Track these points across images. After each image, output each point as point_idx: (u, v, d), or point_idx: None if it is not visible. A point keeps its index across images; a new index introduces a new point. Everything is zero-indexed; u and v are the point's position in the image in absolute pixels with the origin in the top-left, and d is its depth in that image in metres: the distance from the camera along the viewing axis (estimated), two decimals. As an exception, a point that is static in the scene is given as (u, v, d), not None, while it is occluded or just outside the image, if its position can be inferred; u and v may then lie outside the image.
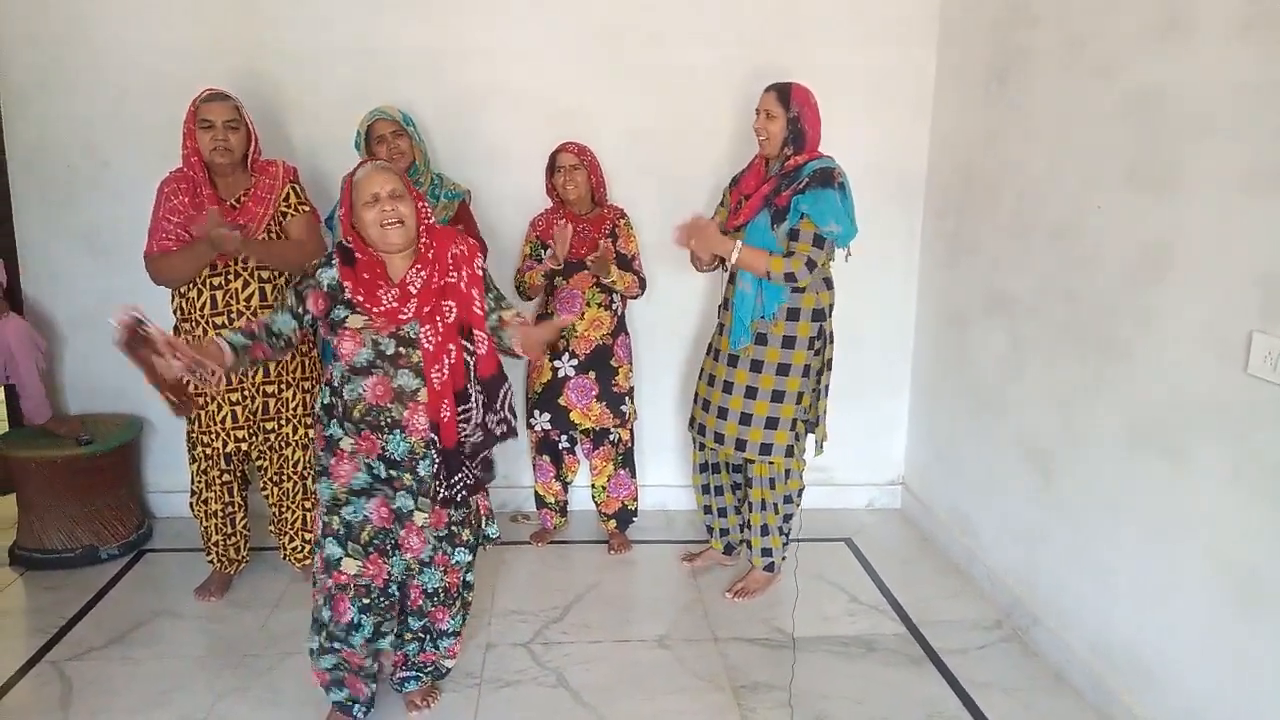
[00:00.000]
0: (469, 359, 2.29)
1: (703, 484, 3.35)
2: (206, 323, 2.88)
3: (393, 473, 2.29)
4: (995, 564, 3.22)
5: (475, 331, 2.28)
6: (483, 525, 2.52)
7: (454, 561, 2.45)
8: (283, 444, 3.08)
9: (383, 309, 2.20)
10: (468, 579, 2.55)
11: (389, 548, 2.35)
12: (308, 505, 3.19)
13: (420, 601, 2.49)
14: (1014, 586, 3.08)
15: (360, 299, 2.21)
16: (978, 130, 3.34)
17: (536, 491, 3.67)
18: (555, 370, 3.40)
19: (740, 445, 3.05)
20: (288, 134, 3.51)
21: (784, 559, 3.28)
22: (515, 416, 2.40)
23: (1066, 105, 2.78)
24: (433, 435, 2.26)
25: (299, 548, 3.23)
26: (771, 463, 3.07)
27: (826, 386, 3.10)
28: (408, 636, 2.54)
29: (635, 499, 3.64)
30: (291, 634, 2.96)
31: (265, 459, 3.11)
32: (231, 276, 2.87)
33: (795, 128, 2.88)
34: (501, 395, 2.34)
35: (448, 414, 2.25)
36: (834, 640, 2.98)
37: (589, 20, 3.55)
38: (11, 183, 3.53)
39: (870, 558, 3.56)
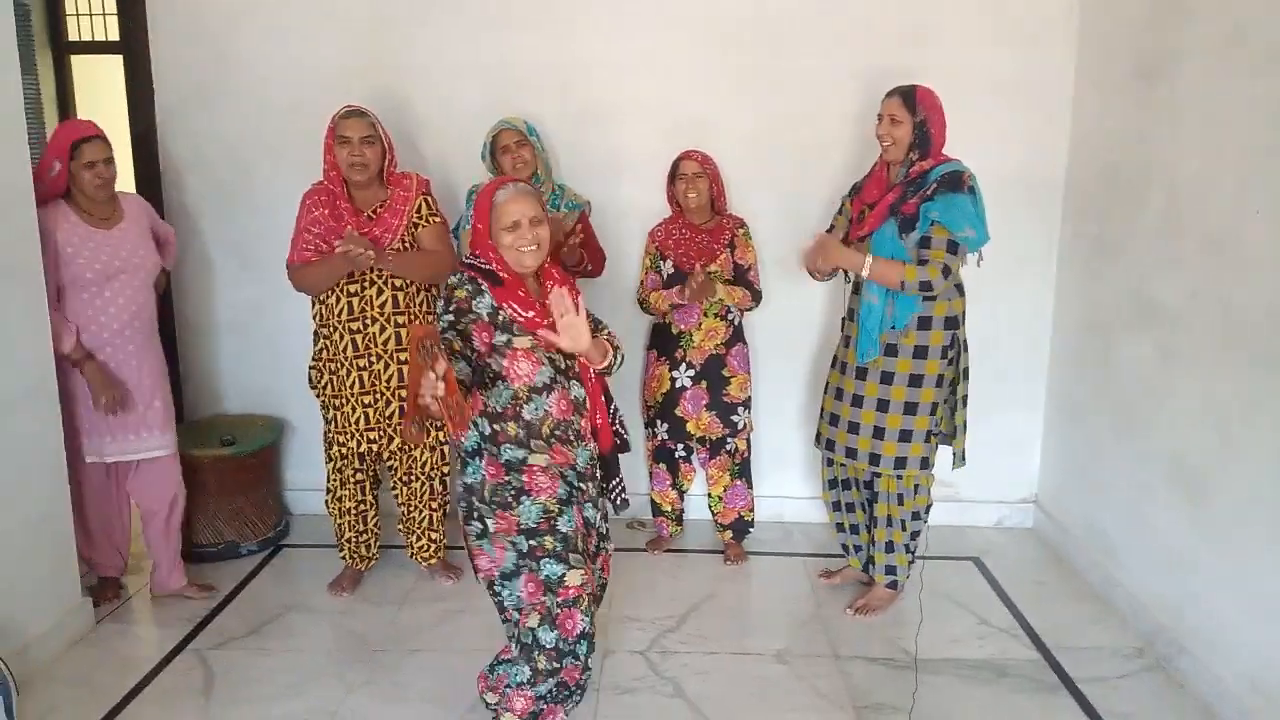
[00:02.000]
0: None
1: (833, 501, 3.27)
2: (344, 328, 3.00)
3: (580, 485, 2.29)
4: (1138, 588, 3.04)
5: None
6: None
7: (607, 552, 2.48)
8: (413, 445, 3.16)
9: (545, 324, 2.15)
10: None
11: (591, 555, 2.36)
12: (434, 505, 3.28)
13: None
14: (1159, 612, 2.90)
15: (523, 320, 2.15)
16: (1122, 131, 3.17)
17: (653, 499, 3.67)
18: (673, 380, 3.40)
19: (874, 460, 2.97)
20: (420, 147, 3.63)
21: (908, 577, 3.17)
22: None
23: (1224, 103, 2.62)
24: (592, 441, 2.30)
25: (425, 547, 3.33)
26: (902, 477, 2.98)
27: (964, 397, 2.99)
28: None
29: (751, 510, 3.60)
30: (418, 631, 3.04)
31: (395, 460, 3.21)
32: (367, 284, 2.98)
33: (922, 132, 2.79)
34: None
35: (601, 418, 2.29)
36: (962, 664, 2.86)
37: (711, 29, 3.54)
38: (165, 193, 3.76)
39: (1000, 578, 3.42)
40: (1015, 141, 3.56)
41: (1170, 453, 2.86)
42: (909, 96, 2.80)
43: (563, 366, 2.23)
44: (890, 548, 3.08)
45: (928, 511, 3.11)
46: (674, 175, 3.37)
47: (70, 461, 2.98)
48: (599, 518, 2.41)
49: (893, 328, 2.85)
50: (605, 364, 2.27)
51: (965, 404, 3.00)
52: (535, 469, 2.21)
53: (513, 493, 2.21)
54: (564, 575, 2.21)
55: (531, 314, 2.16)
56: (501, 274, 2.19)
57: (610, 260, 3.49)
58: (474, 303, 2.15)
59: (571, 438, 2.24)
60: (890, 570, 3.11)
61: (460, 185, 3.51)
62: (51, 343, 2.85)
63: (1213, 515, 2.65)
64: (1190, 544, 2.75)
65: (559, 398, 2.21)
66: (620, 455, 2.45)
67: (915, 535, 3.09)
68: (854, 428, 2.99)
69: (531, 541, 2.20)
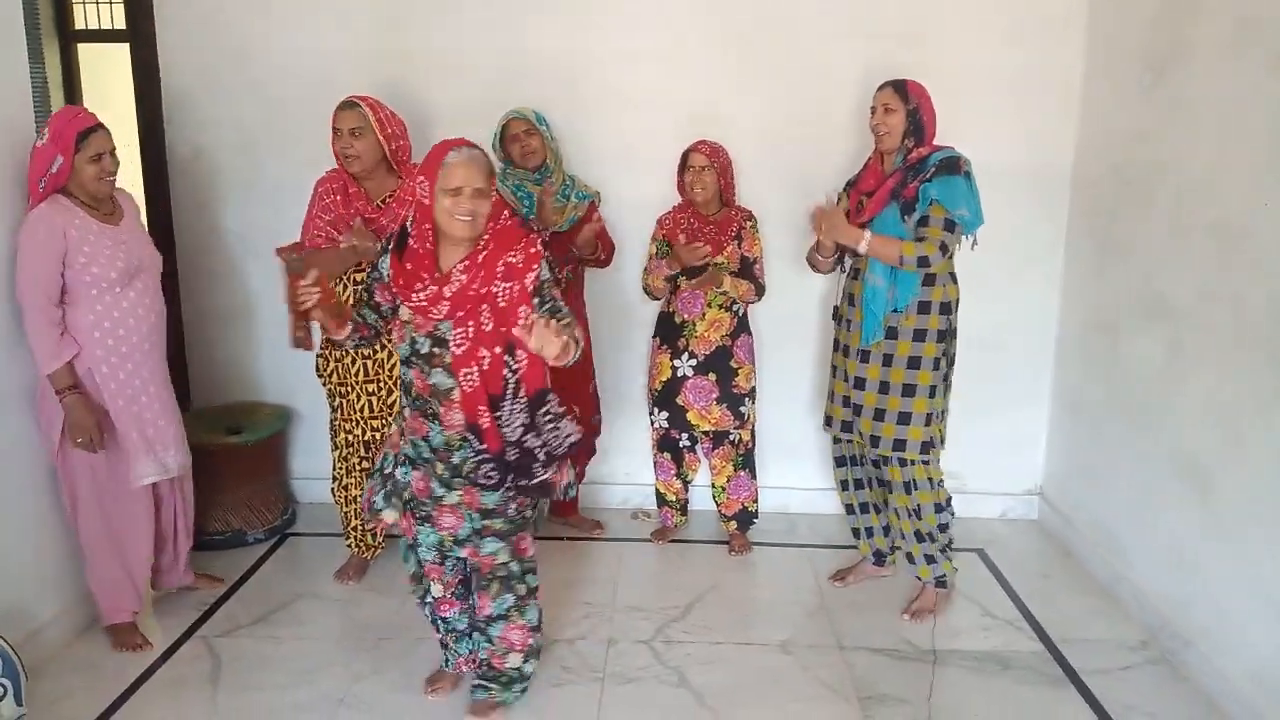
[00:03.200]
0: (509, 373, 2.23)
1: (841, 480, 3.27)
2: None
3: (428, 457, 2.32)
4: (1142, 581, 3.04)
5: (517, 349, 2.22)
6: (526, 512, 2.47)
7: (483, 552, 2.39)
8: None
9: (414, 305, 2.19)
10: (513, 567, 2.45)
11: (422, 516, 2.40)
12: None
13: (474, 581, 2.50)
14: (1163, 606, 2.91)
15: (400, 292, 2.21)
16: (1131, 126, 3.16)
17: (657, 489, 3.68)
18: (675, 369, 3.40)
19: (875, 442, 2.99)
20: (433, 136, 3.56)
21: (955, 570, 3.14)
22: (567, 435, 2.29)
23: (1235, 99, 2.60)
24: (469, 435, 2.24)
25: (430, 537, 3.34)
26: (907, 462, 2.98)
27: (950, 382, 3.01)
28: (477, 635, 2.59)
29: (755, 500, 3.60)
30: (422, 620, 3.03)
31: (401, 450, 3.22)
32: (372, 272, 2.99)
33: (915, 119, 2.86)
34: (542, 414, 2.25)
35: (486, 420, 2.21)
36: (966, 655, 2.87)
37: (722, 22, 3.54)
38: (172, 181, 3.76)
39: (1004, 570, 3.42)
40: (1023, 138, 3.55)
41: (1178, 449, 2.86)
42: (900, 87, 2.88)
43: (425, 352, 2.22)
44: (920, 537, 3.06)
45: (949, 503, 3.09)
46: (683, 166, 3.36)
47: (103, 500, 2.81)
48: (468, 501, 2.34)
49: (895, 310, 2.88)
50: (564, 358, 2.14)
51: (949, 389, 3.03)
52: (408, 418, 2.35)
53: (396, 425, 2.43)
54: (379, 509, 2.41)
55: (399, 300, 2.24)
56: (412, 242, 2.21)
57: (619, 251, 3.49)
58: (380, 262, 2.28)
59: (428, 414, 2.27)
60: (930, 560, 3.07)
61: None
62: (42, 354, 2.60)
63: (1220, 511, 2.65)
64: (1197, 539, 2.75)
65: (416, 375, 2.26)
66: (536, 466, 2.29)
67: (944, 528, 3.07)
68: (857, 409, 3.02)
69: (379, 470, 2.44)
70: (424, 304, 2.18)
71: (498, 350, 2.20)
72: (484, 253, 2.19)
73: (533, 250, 2.22)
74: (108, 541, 2.84)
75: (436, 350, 2.22)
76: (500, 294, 2.19)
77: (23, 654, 2.50)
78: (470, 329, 2.19)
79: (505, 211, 2.28)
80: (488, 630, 2.50)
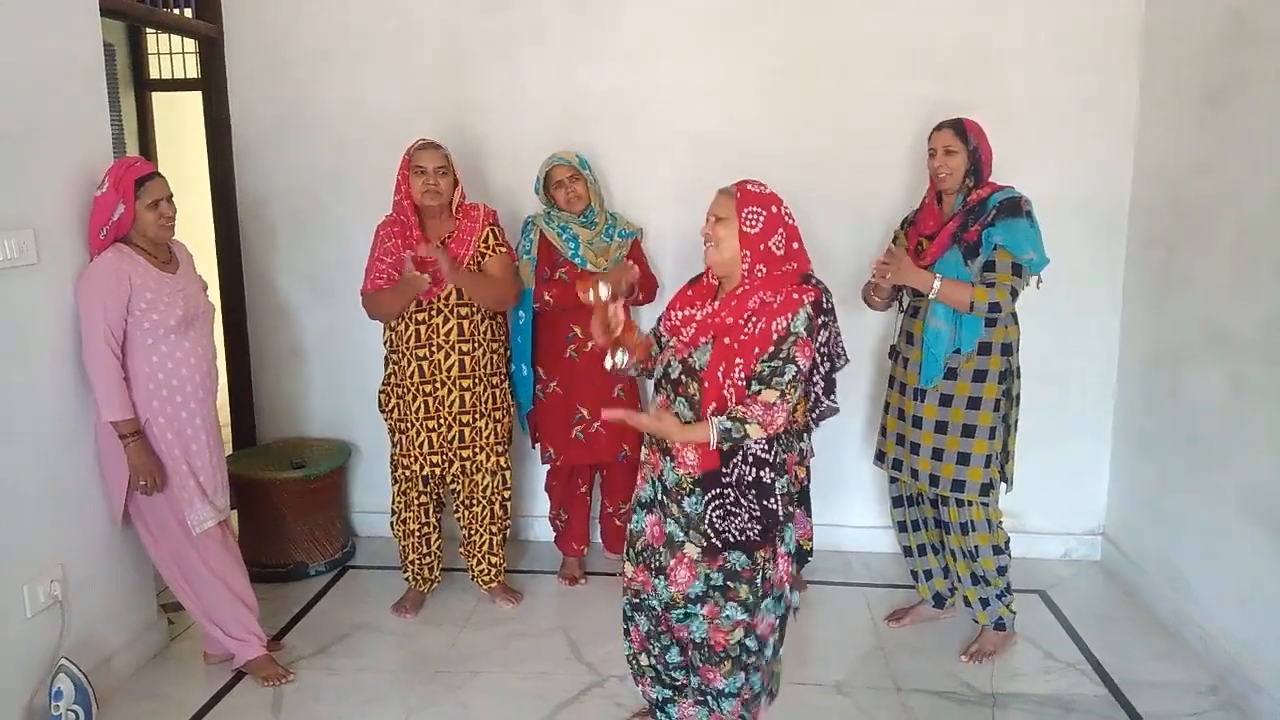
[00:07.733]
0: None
1: (899, 521, 3.23)
2: (411, 354, 3.09)
3: (664, 499, 2.24)
4: (1211, 624, 2.96)
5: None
6: (786, 592, 2.32)
7: (723, 615, 2.20)
8: (474, 469, 3.23)
9: (669, 326, 2.27)
10: (746, 643, 2.24)
11: (655, 568, 2.28)
12: (494, 530, 3.34)
13: (691, 654, 2.31)
14: (1233, 650, 2.82)
15: (666, 315, 2.30)
16: (1190, 158, 3.13)
17: (712, 526, 3.67)
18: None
19: (934, 481, 2.95)
20: (487, 179, 3.71)
21: (1014, 615, 3.07)
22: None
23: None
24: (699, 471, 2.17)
25: (485, 570, 3.38)
26: (965, 503, 2.94)
27: (1015, 422, 2.97)
28: (695, 699, 2.42)
29: (810, 539, 3.57)
30: (479, 654, 3.08)
31: (458, 483, 3.27)
32: (434, 313, 3.06)
33: (975, 159, 2.85)
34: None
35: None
36: (1027, 699, 2.81)
37: (775, 59, 3.58)
38: (242, 224, 3.90)
39: (1067, 612, 3.34)
40: (1079, 170, 3.52)
41: (1246, 487, 2.79)
42: (959, 127, 2.87)
43: (674, 378, 2.21)
44: (976, 579, 3.02)
45: (1008, 545, 3.02)
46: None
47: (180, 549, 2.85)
48: (709, 561, 2.20)
49: (957, 350, 2.86)
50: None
51: (1015, 429, 2.98)
52: (643, 463, 2.35)
53: None
54: (625, 564, 2.41)
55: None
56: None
57: (663, 288, 3.52)
58: None
59: (664, 446, 2.22)
60: (986, 603, 3.03)
61: (526, 215, 3.54)
62: (110, 400, 2.62)
63: (1290, 550, 2.58)
64: (1268, 582, 2.67)
65: (662, 401, 2.25)
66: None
67: (1002, 571, 3.00)
68: (915, 448, 2.99)
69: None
70: (677, 325, 2.23)
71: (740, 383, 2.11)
72: (745, 290, 2.16)
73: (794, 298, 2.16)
74: (202, 586, 2.89)
75: (684, 378, 2.18)
76: (748, 328, 2.12)
77: (94, 682, 2.59)
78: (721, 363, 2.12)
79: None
80: (720, 704, 2.31)
